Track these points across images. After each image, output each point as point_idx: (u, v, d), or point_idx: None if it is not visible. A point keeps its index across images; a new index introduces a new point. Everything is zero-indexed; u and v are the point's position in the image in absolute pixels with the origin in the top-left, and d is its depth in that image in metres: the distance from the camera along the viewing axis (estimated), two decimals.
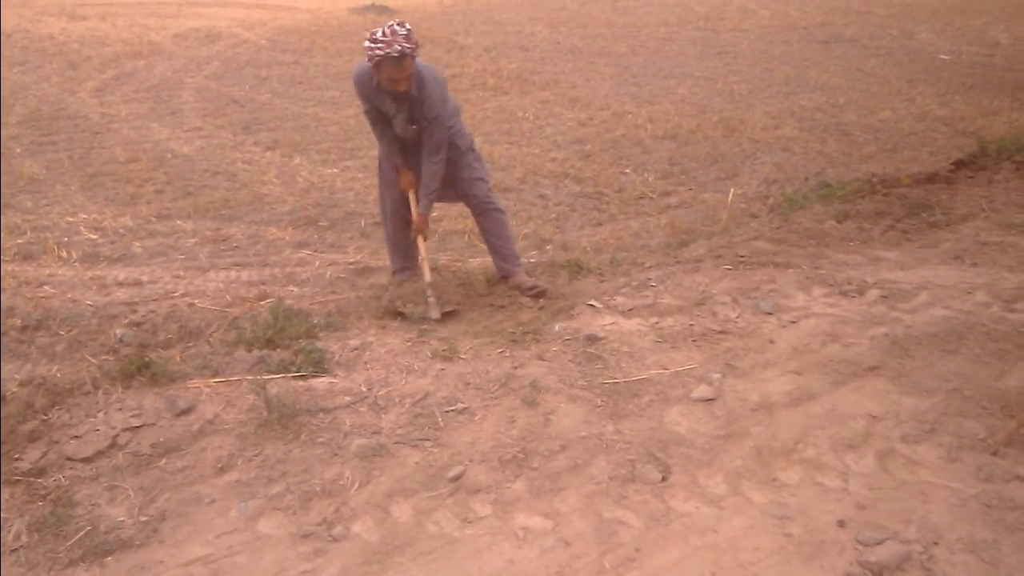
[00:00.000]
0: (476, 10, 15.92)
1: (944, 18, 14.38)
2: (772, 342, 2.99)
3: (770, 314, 3.20)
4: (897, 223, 4.34)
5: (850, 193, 4.92)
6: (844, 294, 3.37)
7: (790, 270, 3.64)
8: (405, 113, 3.51)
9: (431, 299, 3.54)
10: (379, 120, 3.62)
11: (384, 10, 15.46)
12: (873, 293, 3.36)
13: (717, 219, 5.15)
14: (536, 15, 15.37)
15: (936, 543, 1.95)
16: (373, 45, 3.23)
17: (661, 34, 13.32)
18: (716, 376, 2.74)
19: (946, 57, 11.17)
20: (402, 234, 3.91)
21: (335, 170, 6.42)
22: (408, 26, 3.25)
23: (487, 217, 3.83)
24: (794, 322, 3.14)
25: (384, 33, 3.21)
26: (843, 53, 11.54)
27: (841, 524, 2.04)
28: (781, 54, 11.54)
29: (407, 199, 3.79)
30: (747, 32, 13.44)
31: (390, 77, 3.31)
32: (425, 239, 3.75)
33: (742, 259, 3.81)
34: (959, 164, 5.57)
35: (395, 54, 3.21)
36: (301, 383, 2.74)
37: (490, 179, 3.91)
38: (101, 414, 2.51)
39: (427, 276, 3.64)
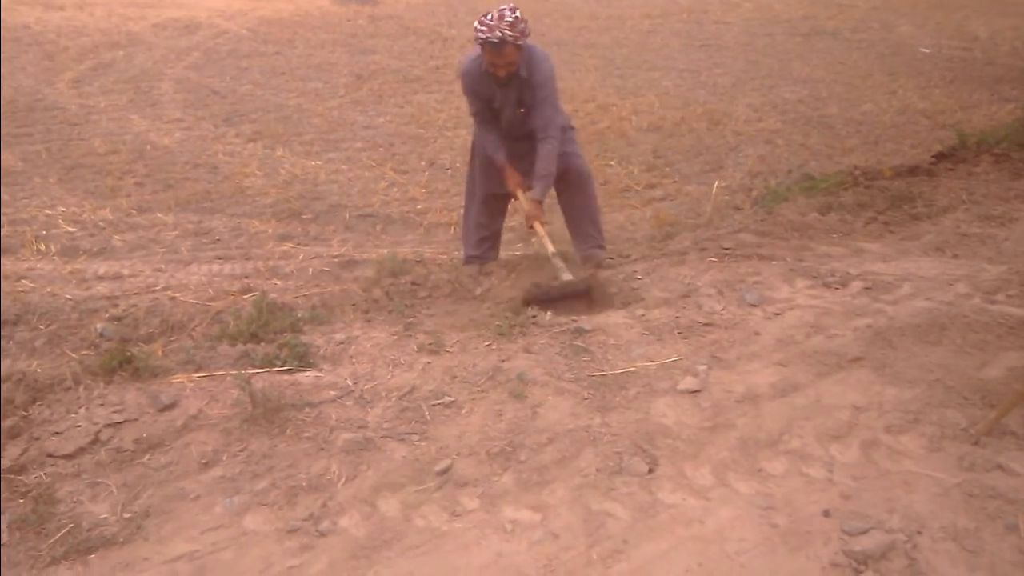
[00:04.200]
0: (460, 1, 15.82)
1: (924, 12, 14.50)
2: (757, 334, 3.00)
3: (755, 306, 3.22)
4: (879, 215, 4.37)
5: (833, 185, 4.95)
6: (828, 286, 3.39)
7: (774, 262, 3.66)
8: (514, 97, 3.53)
9: (560, 264, 3.50)
10: (487, 118, 3.63)
11: (367, 0, 15.32)
12: (856, 285, 3.39)
13: (702, 211, 5.17)
14: (520, 6, 15.30)
15: (919, 532, 1.97)
16: (478, 27, 3.30)
17: (645, 26, 13.32)
18: (702, 368, 2.75)
19: (927, 51, 11.27)
20: (489, 224, 3.97)
21: (318, 162, 6.37)
22: (517, 13, 3.29)
23: (583, 191, 3.84)
24: (779, 314, 3.15)
25: (492, 17, 3.26)
26: (825, 46, 11.60)
27: (826, 514, 2.06)
28: (764, 47, 11.58)
29: (502, 190, 3.83)
30: (730, 25, 13.48)
31: (490, 62, 3.37)
32: (542, 224, 3.63)
33: (727, 251, 3.82)
34: (940, 156, 5.62)
35: (495, 40, 3.26)
36: (286, 377, 2.72)
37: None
38: (82, 410, 2.48)
39: (551, 247, 3.58)
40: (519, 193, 3.69)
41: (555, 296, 3.38)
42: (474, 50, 3.55)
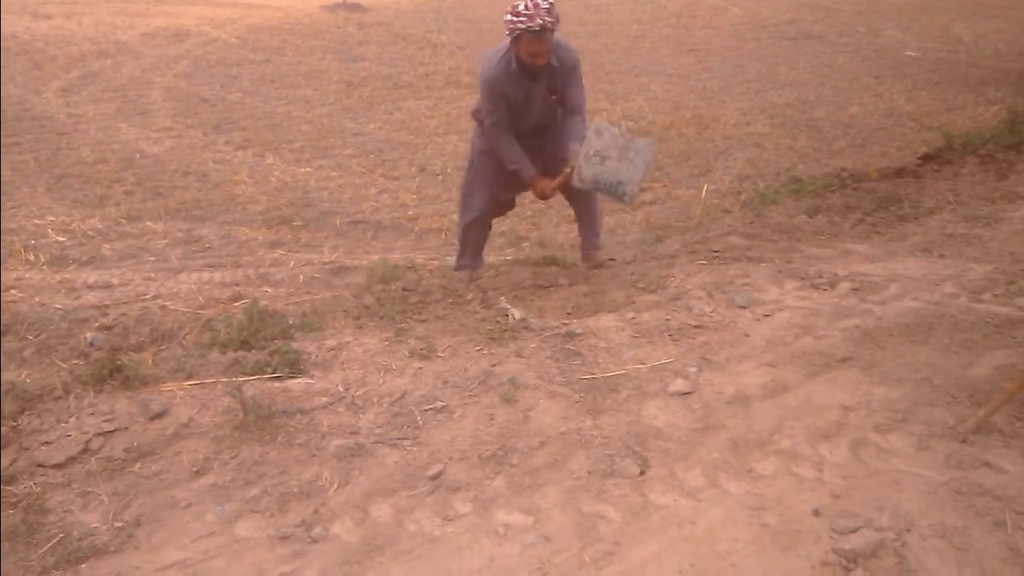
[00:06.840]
0: (449, 8, 15.86)
1: (910, 15, 14.64)
2: (747, 335, 3.02)
3: (744, 308, 3.24)
4: (866, 217, 4.41)
5: (820, 188, 4.99)
6: (816, 287, 3.41)
7: (763, 264, 3.69)
8: (543, 86, 3.54)
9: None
10: (505, 124, 3.60)
11: (356, 7, 15.35)
12: (844, 286, 3.41)
13: (691, 215, 5.20)
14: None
15: (908, 530, 1.99)
16: (515, 18, 3.27)
17: (634, 31, 13.39)
18: (692, 370, 2.77)
19: (912, 54, 11.37)
20: (483, 233, 4.03)
21: (309, 169, 6.37)
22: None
23: (589, 194, 3.86)
24: (768, 315, 3.17)
25: (526, 6, 3.25)
26: (812, 50, 11.69)
27: (816, 513, 2.07)
28: (752, 51, 11.66)
29: (502, 201, 3.92)
30: (718, 29, 13.57)
31: (529, 51, 3.35)
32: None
33: (716, 254, 3.85)
34: (926, 158, 5.68)
35: (536, 28, 3.25)
36: (277, 384, 2.71)
37: None
38: (73, 419, 2.47)
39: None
40: (548, 183, 3.66)
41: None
42: (492, 53, 3.55)
